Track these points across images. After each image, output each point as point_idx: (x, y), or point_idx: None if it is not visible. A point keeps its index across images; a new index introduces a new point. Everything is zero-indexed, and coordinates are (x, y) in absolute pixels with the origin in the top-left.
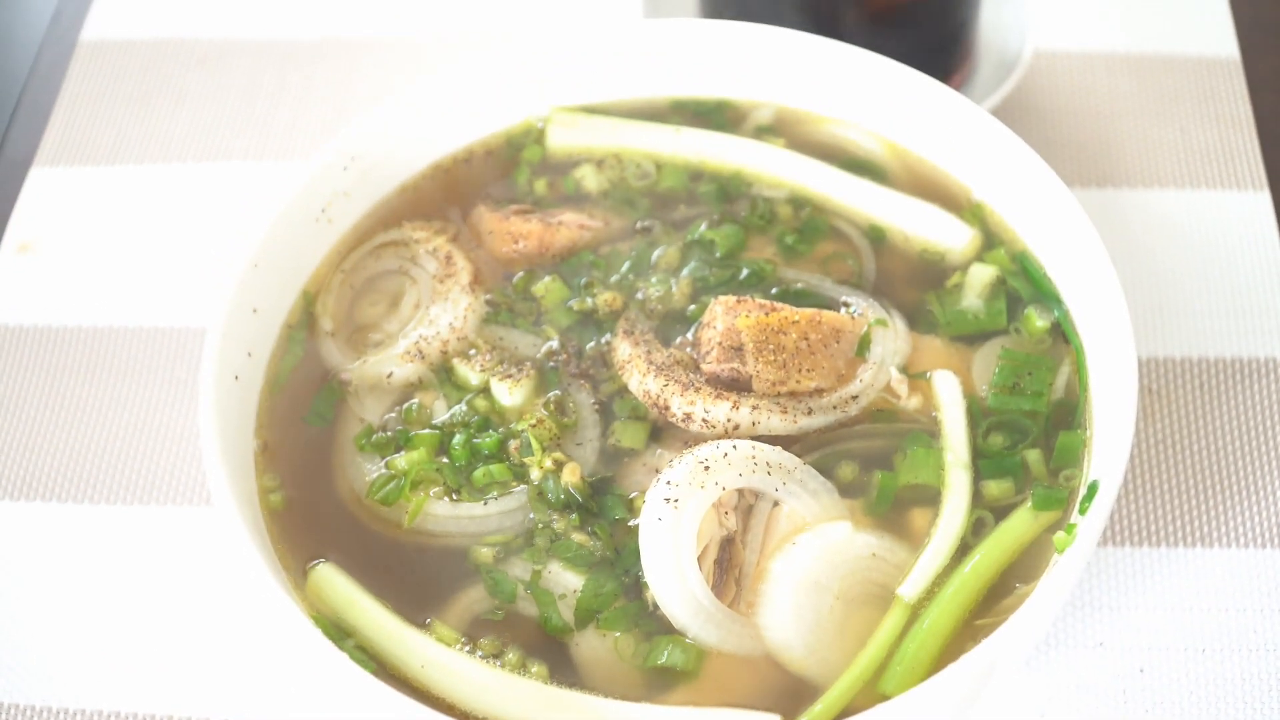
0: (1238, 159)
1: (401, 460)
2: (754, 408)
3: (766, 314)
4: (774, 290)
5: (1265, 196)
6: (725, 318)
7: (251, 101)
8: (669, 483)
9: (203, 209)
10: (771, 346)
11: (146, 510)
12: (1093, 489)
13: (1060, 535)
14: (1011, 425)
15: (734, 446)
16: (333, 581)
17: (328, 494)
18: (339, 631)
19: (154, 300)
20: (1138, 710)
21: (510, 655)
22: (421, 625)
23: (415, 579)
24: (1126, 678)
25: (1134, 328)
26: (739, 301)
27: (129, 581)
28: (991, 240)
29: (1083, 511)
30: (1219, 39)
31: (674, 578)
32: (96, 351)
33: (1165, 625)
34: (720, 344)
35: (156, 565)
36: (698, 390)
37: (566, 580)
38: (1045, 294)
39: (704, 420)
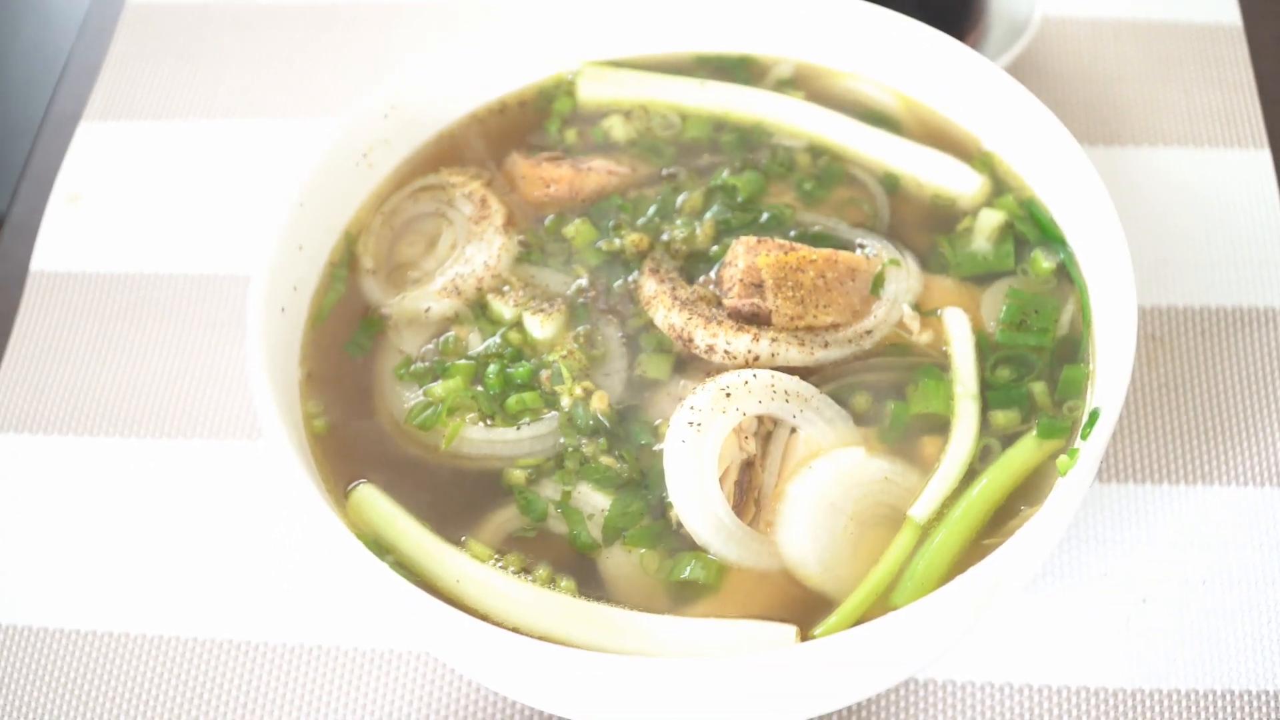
0: (1239, 120)
1: (439, 388)
2: (773, 340)
3: (785, 253)
4: (793, 233)
5: (1266, 155)
6: (746, 256)
7: (290, 62)
8: (693, 407)
9: (243, 163)
10: (790, 283)
11: (190, 444)
12: (1094, 416)
13: (1063, 459)
14: (1018, 359)
15: (754, 375)
16: (373, 501)
17: (368, 420)
18: (379, 548)
19: (196, 248)
20: (1140, 638)
21: (540, 570)
22: (457, 543)
23: (451, 499)
24: (1129, 607)
25: (1139, 279)
26: (759, 242)
27: (176, 510)
28: (1000, 187)
29: (1084, 437)
30: (1222, 6)
31: (697, 496)
32: (142, 297)
33: (1167, 558)
34: (742, 280)
35: (201, 495)
36: (720, 324)
37: (595, 500)
38: (1051, 237)
39: (726, 352)
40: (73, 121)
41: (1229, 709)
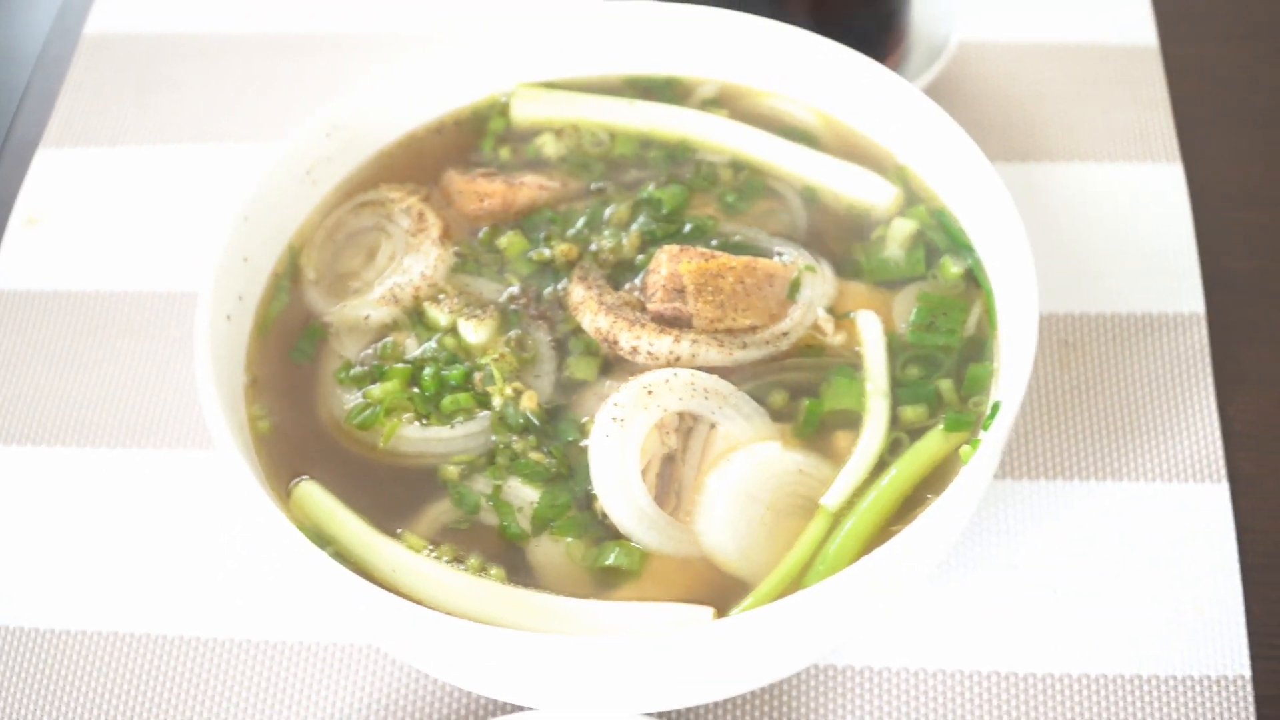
0: (1153, 136)
1: (377, 390)
2: (694, 341)
3: (706, 260)
4: (714, 242)
5: (1178, 169)
6: (669, 264)
7: (242, 90)
8: (616, 404)
9: (194, 185)
10: (710, 288)
11: (146, 453)
12: (995, 408)
13: (966, 449)
14: (927, 359)
15: (675, 374)
16: (314, 496)
17: (310, 421)
18: (320, 539)
19: (150, 267)
20: (1051, 625)
21: (472, 560)
22: (393, 535)
23: (388, 494)
24: (1040, 596)
25: (1054, 288)
26: (682, 250)
27: (132, 515)
28: (913, 198)
29: (986, 428)
30: (1139, 27)
31: (620, 487)
32: (99, 314)
33: (1076, 550)
34: (664, 286)
35: (157, 501)
36: (643, 327)
37: (524, 494)
38: (960, 245)
39: (649, 353)
40: (31, 148)
41: (1138, 693)
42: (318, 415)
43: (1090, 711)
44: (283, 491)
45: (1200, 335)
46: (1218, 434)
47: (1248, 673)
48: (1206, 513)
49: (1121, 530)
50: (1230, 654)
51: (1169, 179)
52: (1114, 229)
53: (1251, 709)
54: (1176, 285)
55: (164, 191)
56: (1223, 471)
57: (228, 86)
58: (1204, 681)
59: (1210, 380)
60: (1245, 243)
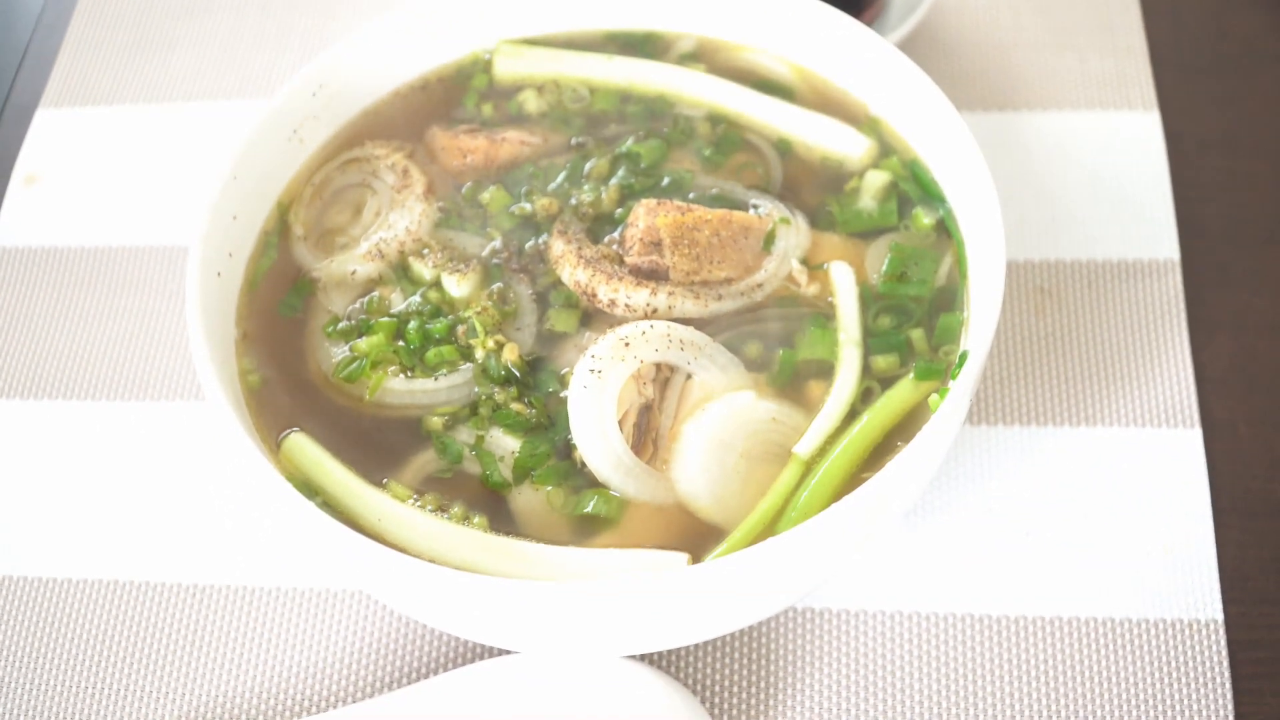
0: (1130, 83)
1: (363, 343)
2: (670, 294)
3: (683, 214)
4: (691, 195)
5: (1155, 116)
6: (646, 217)
7: (234, 47)
8: (594, 356)
9: (190, 142)
10: (686, 241)
11: (140, 405)
12: (963, 358)
13: (934, 397)
14: (899, 308)
15: (651, 326)
16: (302, 448)
17: (299, 374)
18: (308, 490)
19: (146, 223)
20: (1024, 568)
21: (455, 508)
22: (379, 484)
23: (375, 445)
24: (1013, 540)
25: (1029, 235)
26: (659, 204)
27: (130, 465)
28: (886, 150)
29: (954, 377)
30: None
31: (597, 437)
32: (96, 270)
33: (1050, 495)
34: (642, 240)
35: (151, 451)
36: (621, 279)
37: (506, 443)
38: (932, 195)
39: (626, 305)
40: (30, 109)
41: (1111, 636)
42: (307, 368)
43: (1063, 654)
44: (273, 443)
45: (1175, 281)
46: (1191, 380)
47: (1220, 616)
48: (1179, 458)
49: (1095, 475)
50: (1203, 598)
51: (1146, 126)
52: (1091, 177)
53: (1224, 652)
54: (1152, 232)
55: (158, 149)
56: (1196, 417)
57: (218, 43)
58: (1176, 625)
59: (1184, 326)
60: (1219, 189)
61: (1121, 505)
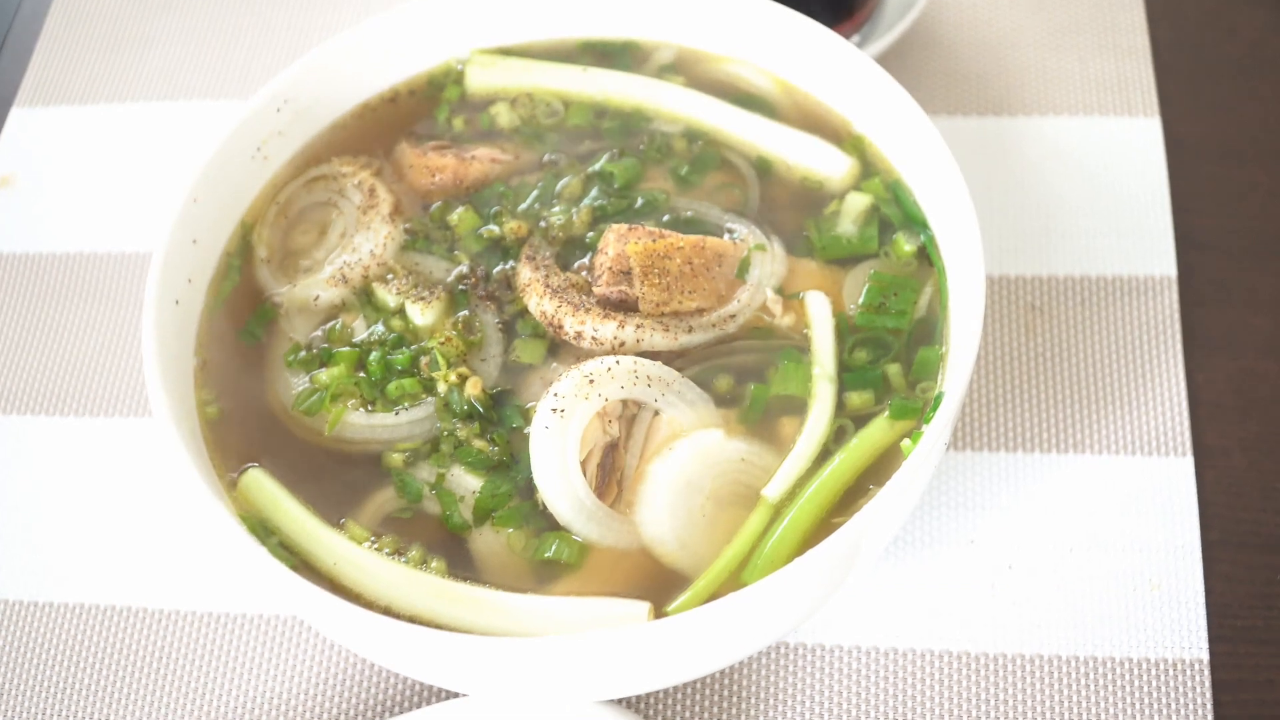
0: (1132, 87)
1: (324, 375)
2: (638, 326)
3: (654, 240)
4: (665, 218)
5: (1155, 123)
6: (616, 244)
7: (211, 43)
8: (557, 394)
9: (167, 144)
10: (657, 270)
11: (110, 422)
12: (938, 399)
13: (907, 442)
14: (876, 341)
15: (617, 362)
16: (260, 484)
17: (259, 406)
18: (264, 530)
19: (121, 227)
20: (1005, 603)
21: (413, 552)
22: (338, 524)
23: (334, 481)
24: (996, 573)
25: (1021, 248)
26: (630, 229)
27: (95, 485)
28: (869, 170)
29: (927, 420)
30: None
31: (559, 479)
32: (71, 277)
33: (1035, 525)
34: (610, 269)
35: (117, 470)
36: (587, 311)
37: (467, 482)
38: (914, 220)
39: (593, 338)
40: (4, 107)
41: (1093, 675)
42: (266, 399)
43: (1042, 693)
44: (229, 479)
45: (1171, 299)
46: (1184, 404)
47: (1205, 656)
48: (1169, 487)
49: (1081, 505)
50: (1188, 635)
51: (1146, 133)
52: (1087, 186)
53: (1208, 694)
54: (1149, 246)
55: (132, 150)
56: (1188, 444)
57: (195, 40)
58: (1160, 665)
59: (1179, 347)
60: (1219, 200)
61: (1108, 537)
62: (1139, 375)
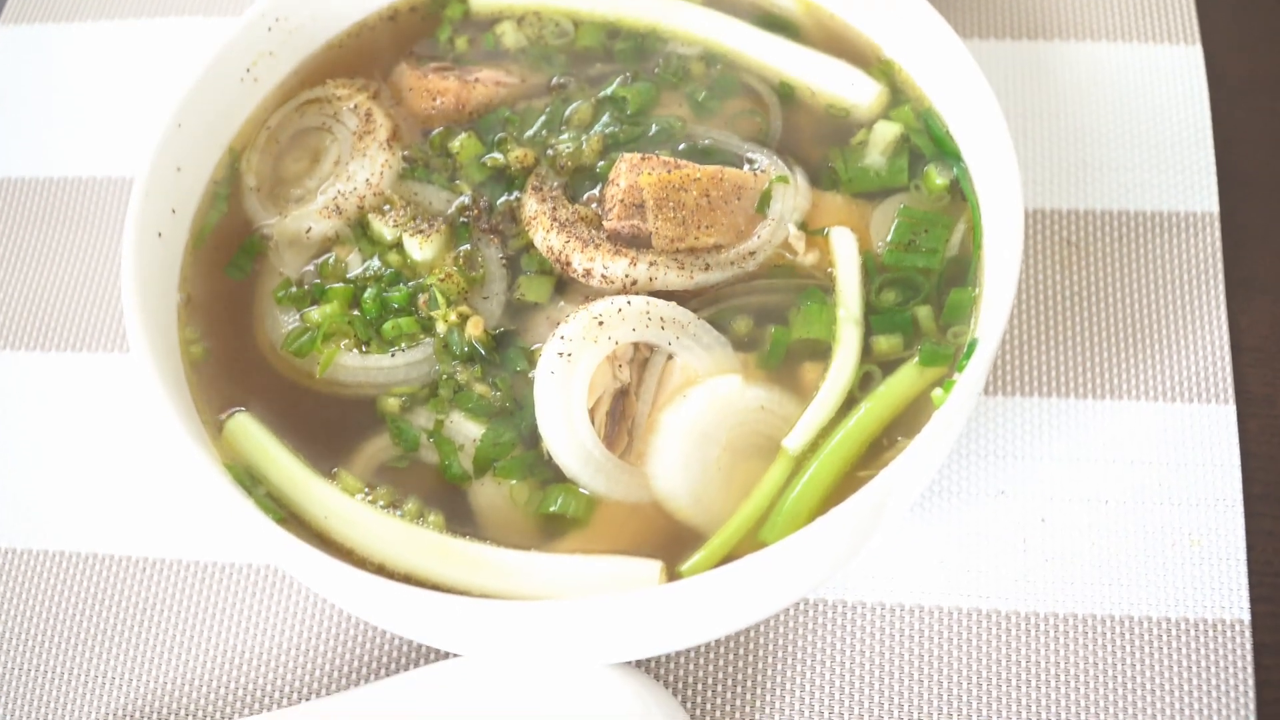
0: (1170, 12)
1: (316, 313)
2: (651, 264)
3: (669, 171)
4: (681, 147)
5: (1197, 50)
6: (629, 175)
7: None
8: (563, 337)
9: (155, 63)
10: (672, 203)
11: (92, 357)
12: (971, 346)
13: (938, 393)
14: (905, 282)
15: (628, 302)
16: (247, 430)
17: (247, 346)
18: (251, 479)
19: (107, 152)
20: (1038, 559)
21: (409, 504)
22: (329, 474)
23: (326, 428)
24: (1028, 526)
25: (1058, 181)
26: (643, 159)
27: (74, 425)
28: (898, 98)
29: (960, 369)
30: None
31: (565, 428)
32: (51, 203)
33: (1070, 476)
34: (622, 201)
35: (97, 409)
36: (597, 247)
37: (467, 430)
38: (946, 152)
39: (603, 276)
40: None
41: (1128, 635)
42: (255, 338)
43: (1076, 653)
44: (215, 424)
45: (1213, 237)
46: (1227, 349)
47: (1247, 616)
48: (1210, 437)
49: (1118, 454)
50: (1228, 594)
51: (1186, 62)
52: (1125, 117)
53: (1249, 656)
54: (1190, 181)
55: (118, 70)
56: (1230, 391)
57: None
58: (1199, 625)
59: (1221, 288)
60: (1265, 136)
61: (1146, 489)
62: (1179, 317)
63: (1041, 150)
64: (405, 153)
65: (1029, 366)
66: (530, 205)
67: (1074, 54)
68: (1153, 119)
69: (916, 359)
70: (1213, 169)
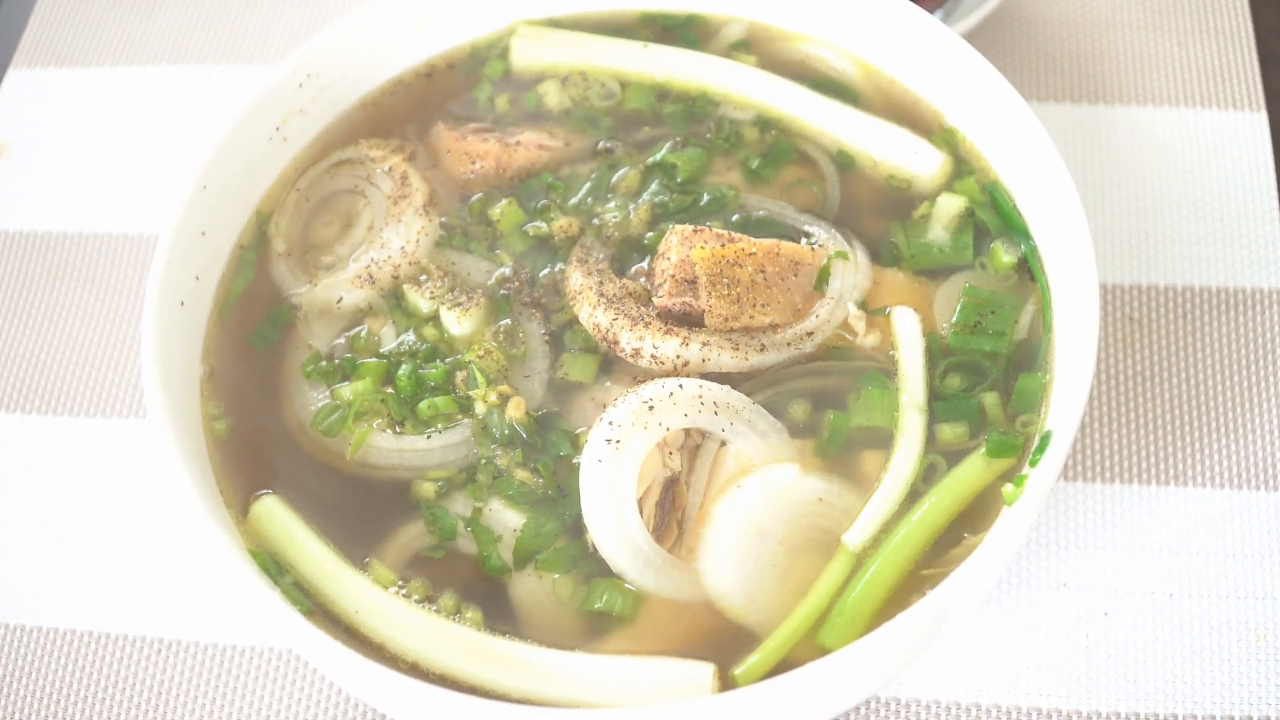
0: (1235, 77)
1: (347, 390)
2: (704, 344)
3: (723, 245)
4: (735, 217)
5: (1262, 118)
6: (680, 248)
7: (224, 5)
8: (611, 423)
9: (178, 112)
10: (726, 280)
11: (110, 423)
12: (1045, 439)
13: (1009, 489)
14: (971, 366)
15: (680, 385)
16: (274, 515)
17: (273, 423)
18: (277, 566)
19: (128, 206)
20: (1100, 654)
21: (445, 599)
22: (360, 563)
23: (357, 513)
24: (1090, 620)
25: (1119, 254)
26: (696, 231)
27: (91, 495)
28: (962, 169)
29: (1033, 464)
30: None
31: (613, 521)
32: (69, 258)
33: (1133, 567)
34: (674, 276)
35: (119, 480)
36: (647, 325)
37: (507, 519)
38: (1014, 227)
39: (653, 356)
40: (1, 67)
41: None
42: (282, 416)
43: None
44: (240, 506)
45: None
46: None
47: None
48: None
49: (1183, 544)
50: None
51: (1252, 129)
52: (1187, 186)
53: None
54: (1256, 256)
55: (139, 119)
56: None
57: (208, 1)
58: None
59: None
60: None
61: (1212, 581)
62: (1245, 399)
63: (1101, 221)
64: (443, 219)
65: (1091, 451)
66: (575, 278)
67: (1135, 120)
68: (1217, 189)
69: (984, 449)
70: None
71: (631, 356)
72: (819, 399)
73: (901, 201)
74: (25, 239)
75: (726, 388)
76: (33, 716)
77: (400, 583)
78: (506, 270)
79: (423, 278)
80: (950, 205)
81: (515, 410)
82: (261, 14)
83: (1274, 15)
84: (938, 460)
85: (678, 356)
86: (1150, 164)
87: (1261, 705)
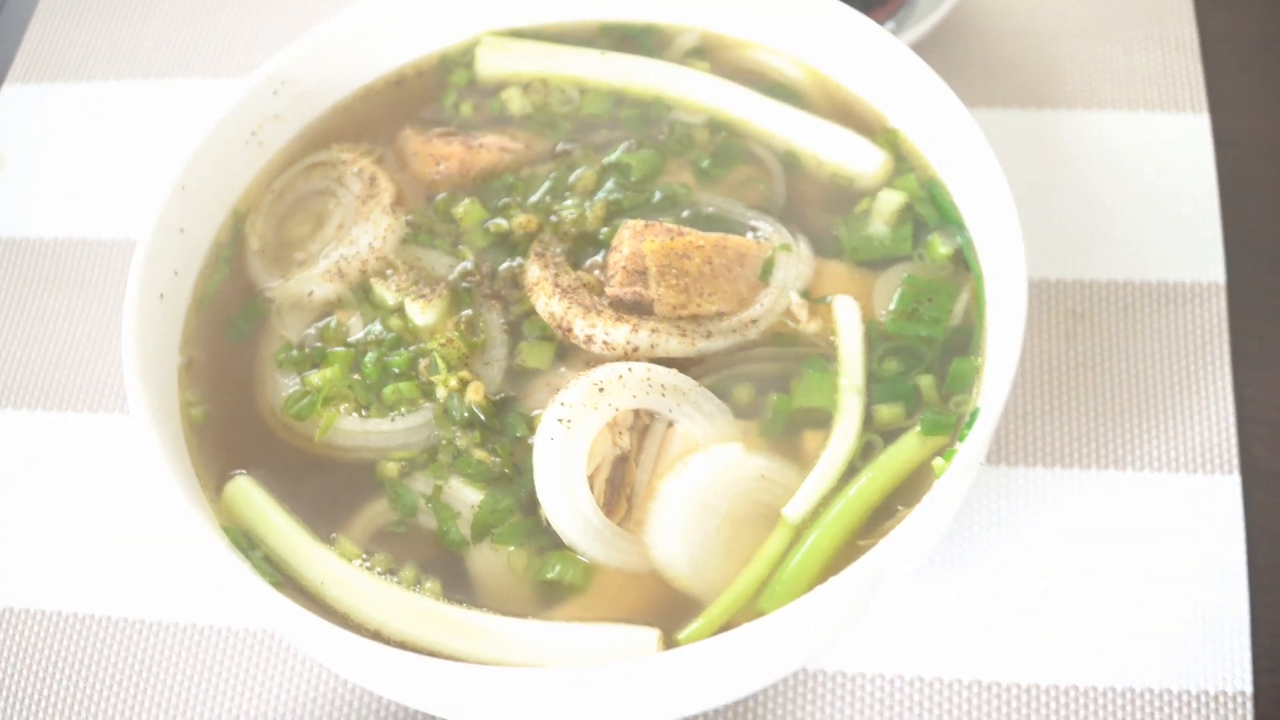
0: (1179, 81)
1: (316, 377)
2: (653, 330)
3: (672, 238)
4: (685, 214)
5: (1204, 120)
6: (632, 241)
7: (213, 17)
8: (563, 403)
9: (164, 123)
10: (674, 270)
11: (94, 417)
12: (974, 416)
13: (939, 462)
14: (907, 351)
15: (629, 369)
16: (247, 494)
17: (247, 409)
18: (248, 541)
19: (114, 212)
20: (1040, 631)
21: (406, 571)
22: (327, 538)
23: (325, 492)
24: (1029, 598)
25: (1063, 251)
26: (646, 226)
27: (73, 485)
28: (903, 166)
29: (962, 438)
30: None
31: (564, 496)
32: (58, 263)
33: (1073, 548)
34: (625, 268)
35: (101, 471)
36: (599, 313)
37: (466, 496)
38: (950, 221)
39: (604, 342)
40: None
41: (1130, 708)
42: (255, 403)
43: None
44: (214, 486)
45: (1219, 307)
46: (1232, 420)
47: (1249, 689)
48: (1215, 508)
49: (1122, 525)
50: (1232, 667)
51: (1194, 130)
52: (1132, 186)
53: None
54: (1197, 251)
55: (128, 130)
56: (1235, 462)
57: (196, 14)
58: (1201, 697)
59: (1228, 359)
60: (1274, 206)
61: (1148, 560)
62: (1184, 388)
63: (1045, 219)
64: (409, 217)
65: (1033, 437)
66: (533, 271)
67: (1081, 123)
68: (1160, 189)
69: (918, 428)
70: (1220, 239)
71: (585, 343)
72: (763, 382)
73: (844, 197)
74: (20, 246)
75: (674, 371)
76: (12, 699)
77: (364, 556)
78: (468, 264)
79: (389, 272)
80: (890, 200)
81: (474, 394)
82: (247, 28)
83: (1220, 20)
84: (875, 439)
85: (628, 342)
86: (1095, 165)
87: (1200, 679)
